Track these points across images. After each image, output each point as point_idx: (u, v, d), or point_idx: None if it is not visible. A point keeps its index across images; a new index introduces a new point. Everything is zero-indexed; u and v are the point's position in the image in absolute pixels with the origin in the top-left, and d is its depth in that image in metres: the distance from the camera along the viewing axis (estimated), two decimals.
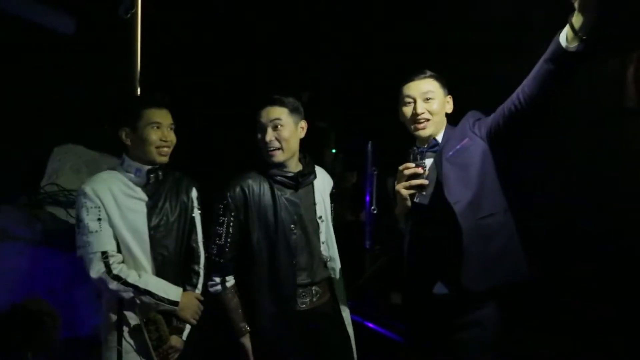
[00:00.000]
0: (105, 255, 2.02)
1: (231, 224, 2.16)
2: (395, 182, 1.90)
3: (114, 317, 2.08)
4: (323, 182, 2.37)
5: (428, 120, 1.98)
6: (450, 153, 1.92)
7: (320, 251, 2.28)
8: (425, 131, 2.00)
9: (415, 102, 1.99)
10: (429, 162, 1.99)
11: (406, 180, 1.85)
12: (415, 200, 1.92)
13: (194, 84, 3.81)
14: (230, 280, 2.20)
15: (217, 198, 2.20)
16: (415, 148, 1.93)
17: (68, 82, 3.22)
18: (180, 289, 2.16)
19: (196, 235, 2.29)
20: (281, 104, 2.14)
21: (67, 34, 3.14)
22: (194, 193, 2.31)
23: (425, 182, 1.83)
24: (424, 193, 1.90)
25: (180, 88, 3.66)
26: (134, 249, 2.10)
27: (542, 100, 1.65)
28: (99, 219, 2.04)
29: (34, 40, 3.03)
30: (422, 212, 1.96)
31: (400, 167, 1.86)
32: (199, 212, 2.31)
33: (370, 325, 3.52)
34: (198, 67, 3.83)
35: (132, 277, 2.03)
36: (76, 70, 3.25)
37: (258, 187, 2.20)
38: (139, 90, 3.57)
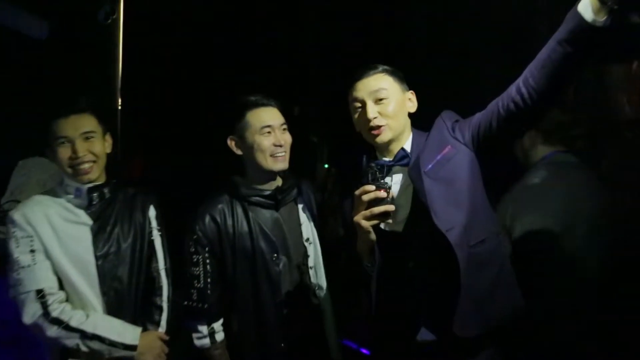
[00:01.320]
0: (41, 294, 1.67)
1: (207, 261, 1.84)
2: (353, 212, 1.53)
3: None
4: (309, 198, 2.05)
5: (382, 126, 1.62)
6: (430, 166, 1.55)
7: (308, 279, 1.94)
8: (381, 137, 1.63)
9: (364, 105, 1.63)
10: (396, 178, 1.66)
11: (366, 208, 1.47)
12: (384, 227, 1.59)
13: (177, 92, 3.62)
14: (219, 331, 1.87)
15: (187, 234, 1.88)
16: (373, 164, 1.50)
17: (43, 88, 3.01)
18: (138, 329, 1.80)
19: (157, 262, 1.93)
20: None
21: (42, 38, 2.95)
22: (152, 211, 1.96)
23: (391, 207, 1.46)
24: (390, 220, 1.53)
25: (163, 95, 3.50)
26: (79, 283, 1.74)
27: (554, 92, 1.36)
28: (32, 251, 1.69)
29: (7, 44, 2.82)
30: (394, 244, 1.61)
31: (357, 192, 1.49)
32: (159, 233, 1.96)
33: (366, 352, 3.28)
34: (181, 74, 3.64)
35: (76, 320, 1.68)
36: (51, 76, 3.05)
37: (230, 212, 1.88)
38: (119, 99, 3.43)
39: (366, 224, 1.48)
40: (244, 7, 3.69)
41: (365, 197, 1.47)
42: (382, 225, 1.58)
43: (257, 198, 1.88)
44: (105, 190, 1.85)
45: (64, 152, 1.74)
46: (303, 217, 1.97)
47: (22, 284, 1.67)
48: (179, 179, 3.44)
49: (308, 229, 1.97)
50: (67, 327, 1.66)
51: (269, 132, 1.84)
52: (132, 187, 1.99)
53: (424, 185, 1.51)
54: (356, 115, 1.67)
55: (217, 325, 1.86)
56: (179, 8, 3.44)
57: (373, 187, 1.46)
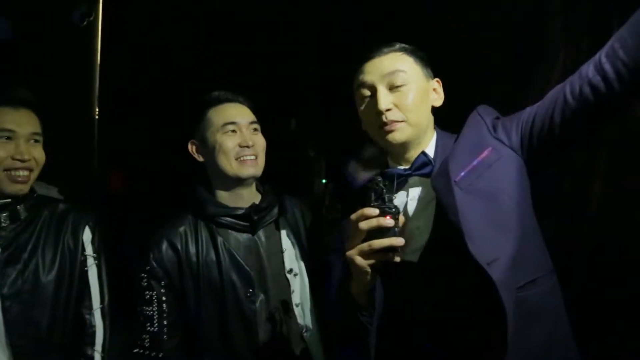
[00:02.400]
0: None
1: (163, 298, 1.48)
2: (347, 243, 1.15)
3: None
4: (295, 218, 1.67)
5: (397, 122, 1.24)
6: (463, 173, 1.16)
7: (293, 320, 1.56)
8: (395, 135, 1.24)
9: (374, 92, 1.25)
10: (414, 192, 1.26)
11: (365, 240, 1.09)
12: (398, 260, 1.16)
13: (161, 99, 3.37)
14: None
15: (137, 264, 1.52)
16: (379, 179, 1.13)
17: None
18: None
19: (90, 299, 1.53)
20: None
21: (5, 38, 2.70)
22: (87, 234, 1.56)
23: (399, 242, 1.07)
24: (398, 258, 1.12)
25: (145, 103, 3.24)
26: None
27: None
28: None
29: None
30: (406, 282, 1.20)
31: (353, 217, 1.11)
32: (96, 262, 1.57)
33: None
34: (165, 80, 3.40)
35: None
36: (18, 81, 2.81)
37: (193, 237, 1.53)
38: (97, 108, 3.19)
39: (362, 262, 1.09)
40: (233, 13, 3.46)
41: (364, 225, 1.08)
42: (396, 259, 1.16)
43: (228, 219, 1.54)
44: (20, 209, 1.47)
45: (5, 149, 1.41)
46: (286, 243, 1.61)
47: None
48: (161, 192, 3.17)
49: (292, 258, 1.60)
50: None
51: (234, 131, 1.53)
52: (62, 204, 1.61)
53: (455, 200, 1.11)
54: (363, 107, 1.28)
55: None
56: (165, 10, 3.21)
57: (376, 212, 1.08)
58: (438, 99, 1.33)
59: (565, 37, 1.55)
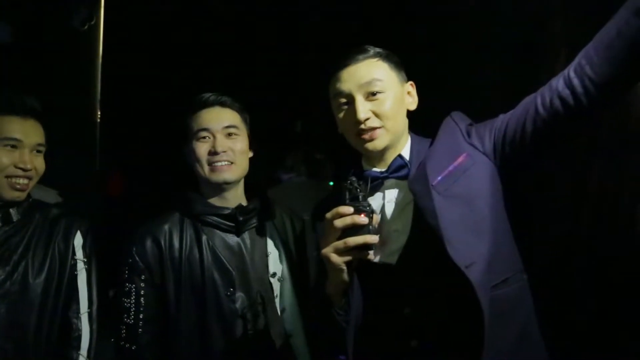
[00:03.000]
0: None
1: (142, 292, 1.50)
2: (321, 240, 1.18)
3: None
4: (283, 223, 1.69)
5: (377, 128, 1.25)
6: (439, 178, 1.18)
7: (277, 322, 1.56)
8: (375, 143, 1.25)
9: (352, 101, 1.26)
10: (390, 194, 1.28)
11: (340, 238, 1.12)
12: (373, 259, 1.18)
13: (162, 103, 3.39)
14: None
15: (121, 256, 1.55)
16: (353, 178, 1.15)
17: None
18: None
19: (77, 304, 1.55)
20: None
21: (5, 42, 2.75)
22: (78, 239, 1.58)
23: (373, 239, 1.10)
24: (372, 256, 1.14)
25: (146, 106, 3.27)
26: None
27: (623, 84, 1.03)
28: None
29: None
30: (385, 283, 1.22)
31: (328, 215, 1.13)
32: (86, 267, 1.58)
33: None
34: (167, 83, 3.42)
35: None
36: (20, 86, 2.84)
37: (178, 234, 1.55)
38: (99, 111, 3.23)
39: (338, 259, 1.11)
40: (235, 14, 3.48)
41: (339, 223, 1.10)
42: (371, 257, 1.18)
43: (214, 218, 1.55)
44: (12, 211, 1.50)
45: (7, 157, 1.44)
46: (272, 247, 1.62)
47: None
48: (161, 194, 3.20)
49: (277, 262, 1.61)
50: None
51: (205, 137, 1.54)
52: (56, 208, 1.64)
53: (434, 203, 1.13)
54: (341, 115, 1.29)
55: None
56: (165, 13, 3.23)
57: (350, 210, 1.09)
58: (413, 103, 1.34)
59: (565, 39, 1.53)
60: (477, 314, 1.04)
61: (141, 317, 1.48)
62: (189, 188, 1.62)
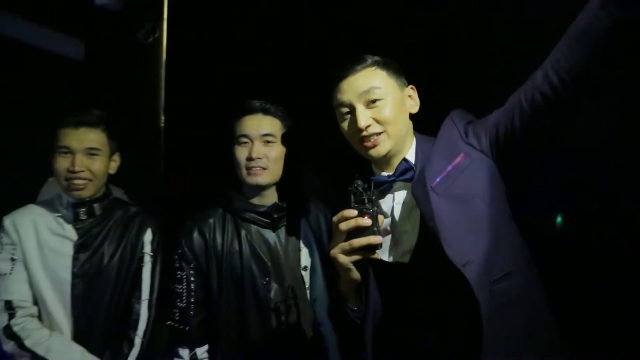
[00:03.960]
0: (9, 305, 1.62)
1: (192, 278, 1.67)
2: (330, 243, 1.26)
3: None
4: (318, 220, 1.80)
5: (379, 133, 1.31)
6: (438, 180, 1.23)
7: (308, 312, 1.70)
8: (378, 149, 1.32)
9: (354, 109, 1.32)
10: (399, 197, 1.35)
11: (346, 240, 1.18)
12: (387, 260, 1.27)
13: (223, 108, 3.56)
14: (204, 358, 1.68)
15: (172, 247, 1.74)
16: (358, 182, 1.21)
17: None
18: None
19: (140, 291, 1.78)
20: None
21: (78, 59, 3.03)
22: (148, 235, 1.83)
23: (376, 239, 1.16)
24: (378, 255, 1.23)
25: (204, 108, 3.45)
26: (51, 302, 1.67)
27: (595, 75, 1.04)
28: (12, 259, 1.65)
29: (45, 66, 2.92)
30: (397, 282, 1.29)
31: (334, 218, 1.21)
32: (152, 260, 1.82)
33: None
34: (225, 91, 3.59)
35: (31, 340, 1.60)
36: (92, 95, 3.12)
37: (221, 228, 1.71)
38: (162, 118, 3.45)
39: (345, 259, 1.18)
40: (299, 24, 3.58)
41: (344, 226, 1.17)
42: (384, 257, 1.28)
43: (251, 214, 1.72)
44: (96, 206, 1.76)
45: (63, 163, 1.68)
46: (305, 242, 1.75)
47: None
48: None
49: (308, 256, 1.74)
50: (21, 345, 1.59)
51: (245, 143, 1.67)
52: (134, 207, 1.90)
53: (432, 205, 1.19)
54: (344, 124, 1.37)
55: (201, 352, 1.68)
56: (225, 24, 3.40)
57: (354, 213, 1.17)
58: (414, 106, 1.40)
59: None
60: (476, 310, 1.11)
61: (192, 301, 1.67)
62: (232, 186, 1.79)
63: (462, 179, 1.23)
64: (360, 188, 1.20)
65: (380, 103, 1.31)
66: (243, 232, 1.70)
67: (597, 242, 1.50)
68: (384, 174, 1.37)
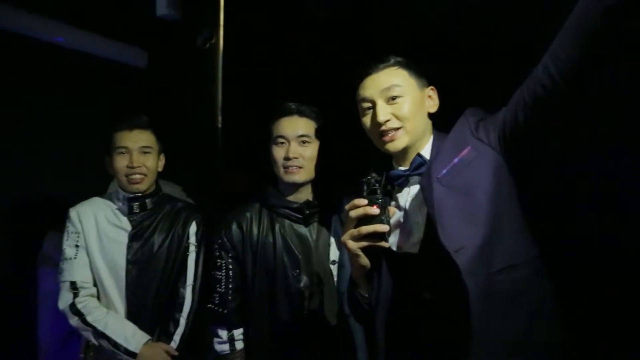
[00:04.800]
0: (74, 285, 1.88)
1: (230, 266, 1.83)
2: (342, 230, 1.36)
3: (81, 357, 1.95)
4: None
5: (397, 129, 1.39)
6: (444, 171, 1.29)
7: (335, 305, 1.78)
8: (395, 143, 1.39)
9: (375, 105, 1.41)
10: (414, 190, 1.39)
11: (355, 227, 1.27)
12: (396, 249, 1.33)
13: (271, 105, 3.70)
14: (240, 339, 1.83)
15: (213, 237, 1.90)
16: (371, 176, 1.30)
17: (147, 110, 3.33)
18: (144, 339, 1.87)
19: (185, 276, 1.99)
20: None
21: (140, 66, 3.29)
22: (193, 227, 2.04)
23: (383, 227, 1.23)
24: (386, 244, 1.28)
25: (258, 108, 3.60)
26: (108, 284, 1.91)
27: (589, 63, 1.05)
28: (77, 246, 1.91)
29: (110, 75, 3.20)
30: (407, 270, 1.35)
31: (347, 207, 1.29)
32: (196, 250, 2.03)
33: None
34: (275, 88, 3.73)
35: (92, 316, 1.84)
36: (153, 105, 3.37)
37: (257, 221, 1.85)
38: (220, 119, 3.64)
39: (353, 245, 1.28)
40: (354, 28, 3.65)
41: (354, 214, 1.26)
42: (393, 247, 1.36)
43: (285, 210, 1.84)
44: (147, 201, 1.99)
45: (122, 161, 1.92)
46: (335, 237, 1.84)
47: (63, 274, 1.90)
48: None
49: (336, 251, 1.83)
50: (84, 321, 1.84)
51: (282, 143, 1.79)
52: (181, 202, 2.11)
53: (433, 194, 1.25)
54: (365, 118, 1.45)
55: (238, 333, 1.83)
56: (279, 30, 3.53)
57: (364, 202, 1.25)
58: (433, 105, 1.46)
59: None
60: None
61: (230, 286, 1.82)
62: (269, 183, 1.92)
63: (466, 171, 1.27)
64: (372, 180, 1.28)
65: (400, 100, 1.38)
66: (277, 226, 1.82)
67: (610, 240, 1.48)
68: (401, 168, 1.44)
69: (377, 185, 1.27)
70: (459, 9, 1.87)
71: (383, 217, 1.24)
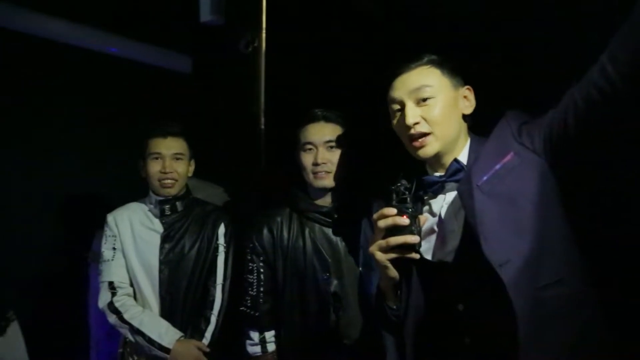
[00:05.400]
0: (112, 285, 2.00)
1: (262, 270, 1.87)
2: (370, 240, 1.29)
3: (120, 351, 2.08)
4: None
5: (426, 134, 1.31)
6: (485, 178, 1.21)
7: (366, 309, 1.76)
8: (425, 150, 1.32)
9: (404, 106, 1.33)
10: (449, 197, 1.32)
11: (384, 238, 1.21)
12: (431, 259, 1.26)
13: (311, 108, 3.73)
14: (271, 342, 1.88)
15: (246, 242, 1.95)
16: (400, 183, 1.24)
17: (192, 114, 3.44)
18: (177, 335, 1.96)
19: (215, 276, 2.08)
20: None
21: (187, 72, 3.40)
22: (222, 229, 2.13)
23: (413, 239, 1.18)
24: (417, 255, 1.21)
25: (300, 111, 3.64)
26: (143, 283, 2.02)
27: None
28: (114, 248, 2.04)
29: (154, 81, 3.33)
30: (440, 280, 1.28)
31: (375, 216, 1.24)
32: (225, 250, 2.11)
33: None
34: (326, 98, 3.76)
35: (129, 314, 1.95)
36: (198, 108, 3.47)
37: (287, 225, 1.88)
38: (262, 121, 3.71)
39: (382, 257, 1.23)
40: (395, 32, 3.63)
41: (382, 224, 1.21)
42: (428, 257, 1.30)
43: (315, 214, 1.85)
44: (178, 204, 2.08)
45: (155, 166, 2.03)
46: (364, 240, 1.77)
47: (102, 275, 2.03)
48: None
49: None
50: (121, 319, 1.94)
51: (310, 149, 1.81)
52: (210, 205, 2.21)
53: (474, 202, 1.17)
54: (395, 121, 1.38)
55: (269, 335, 1.88)
56: (319, 33, 3.56)
57: (394, 211, 1.19)
58: (469, 107, 1.37)
59: None
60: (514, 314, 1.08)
61: (261, 290, 1.87)
62: (299, 187, 1.94)
63: (509, 178, 1.20)
64: (402, 188, 1.22)
65: (431, 102, 1.31)
66: (307, 230, 1.84)
67: None
68: (437, 174, 1.37)
69: (406, 193, 1.22)
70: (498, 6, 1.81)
71: (413, 228, 1.19)
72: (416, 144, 1.33)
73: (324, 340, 1.76)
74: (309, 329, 1.79)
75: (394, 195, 1.23)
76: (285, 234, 1.87)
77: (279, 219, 1.89)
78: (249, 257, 1.90)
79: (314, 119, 1.83)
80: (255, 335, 1.88)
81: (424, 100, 1.31)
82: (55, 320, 2.64)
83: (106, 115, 3.11)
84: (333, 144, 1.80)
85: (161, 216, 2.06)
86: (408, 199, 1.22)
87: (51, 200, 2.83)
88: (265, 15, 3.49)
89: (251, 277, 1.89)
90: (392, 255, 1.22)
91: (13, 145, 2.68)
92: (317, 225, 1.86)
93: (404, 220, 1.18)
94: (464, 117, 1.38)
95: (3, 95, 2.63)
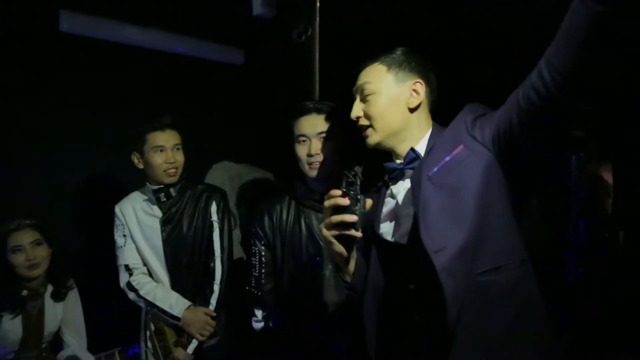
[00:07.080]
0: (127, 267, 2.27)
1: (263, 253, 2.02)
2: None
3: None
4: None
5: (367, 127, 1.44)
6: (435, 169, 1.31)
7: None
8: (368, 140, 1.46)
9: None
10: (407, 184, 1.42)
11: (330, 216, 1.31)
12: (390, 239, 1.38)
13: None
14: (274, 318, 2.05)
15: (248, 227, 2.12)
16: (355, 169, 1.33)
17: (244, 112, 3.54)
18: (186, 304, 2.24)
19: (213, 249, 2.31)
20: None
21: (239, 64, 3.50)
22: (214, 207, 2.34)
23: (351, 218, 1.27)
24: (358, 233, 1.30)
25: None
26: (152, 262, 2.28)
27: (582, 70, 1.03)
28: (124, 235, 2.30)
29: (209, 74, 3.48)
30: (396, 259, 1.40)
31: (325, 197, 1.35)
32: (219, 225, 2.32)
33: None
34: None
35: (144, 290, 2.23)
36: (250, 99, 3.55)
37: (286, 212, 2.01)
38: None
39: (327, 233, 1.33)
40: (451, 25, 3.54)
41: (326, 204, 1.32)
42: (387, 237, 1.43)
43: (310, 201, 1.97)
44: (171, 190, 2.28)
45: (159, 158, 2.21)
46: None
47: (118, 259, 2.31)
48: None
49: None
50: (138, 295, 2.23)
51: (304, 141, 1.89)
52: (201, 185, 2.41)
53: (421, 192, 1.29)
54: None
55: (272, 313, 2.02)
56: (374, 21, 3.54)
57: (338, 193, 1.30)
58: (413, 100, 1.44)
59: None
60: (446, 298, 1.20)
61: (263, 271, 2.03)
62: (297, 176, 2.04)
63: (456, 171, 1.29)
64: (351, 173, 1.32)
65: (371, 98, 1.43)
66: (303, 217, 1.97)
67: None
68: (397, 161, 1.48)
69: (354, 178, 1.32)
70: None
71: (355, 209, 1.28)
72: (363, 135, 1.47)
73: (317, 315, 1.89)
74: (304, 305, 1.93)
75: (344, 179, 1.33)
76: (283, 220, 2.00)
77: (278, 207, 2.02)
78: (252, 241, 2.05)
79: (306, 112, 1.89)
80: (259, 313, 2.05)
81: (366, 96, 1.44)
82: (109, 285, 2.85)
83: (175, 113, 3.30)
84: (325, 134, 1.86)
85: (158, 203, 2.28)
86: (356, 182, 1.31)
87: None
88: (319, 3, 3.51)
89: (254, 259, 2.05)
90: (334, 233, 1.31)
91: (76, 140, 2.88)
92: (312, 212, 1.96)
93: (345, 201, 1.28)
94: (413, 109, 1.45)
95: (77, 97, 2.86)
